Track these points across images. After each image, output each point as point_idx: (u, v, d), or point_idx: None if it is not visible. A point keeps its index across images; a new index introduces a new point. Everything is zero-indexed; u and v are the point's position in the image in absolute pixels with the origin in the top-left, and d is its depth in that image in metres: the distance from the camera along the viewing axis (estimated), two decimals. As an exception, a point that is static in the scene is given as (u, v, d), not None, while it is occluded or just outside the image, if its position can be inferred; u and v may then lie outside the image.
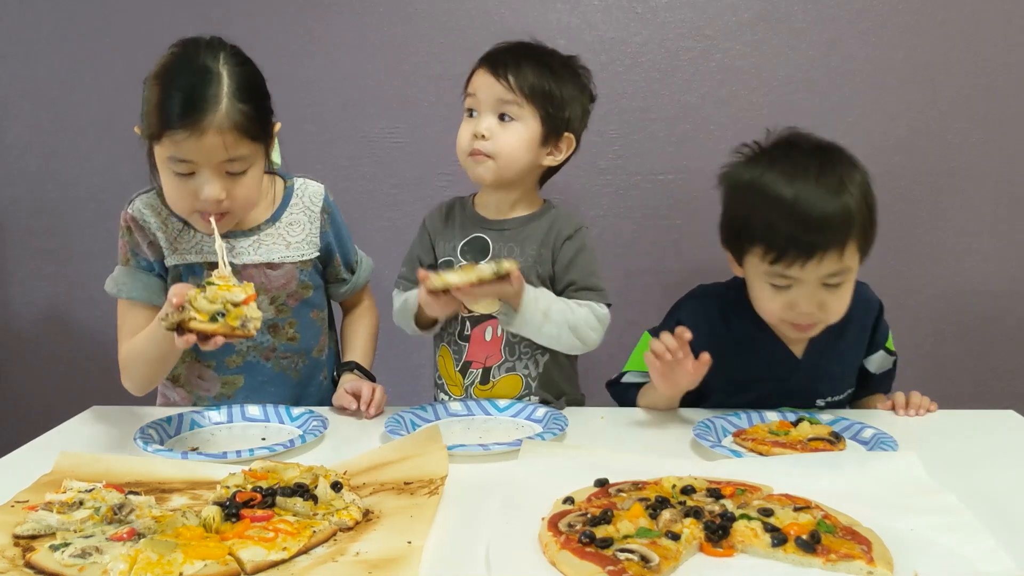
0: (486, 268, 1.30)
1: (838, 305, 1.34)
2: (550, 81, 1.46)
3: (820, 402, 1.48)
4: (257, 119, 1.35)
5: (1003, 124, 2.07)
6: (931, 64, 2.05)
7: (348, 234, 1.61)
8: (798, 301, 1.33)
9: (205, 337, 1.19)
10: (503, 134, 1.45)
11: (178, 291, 1.21)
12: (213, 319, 1.19)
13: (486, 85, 1.46)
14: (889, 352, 1.56)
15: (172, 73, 1.34)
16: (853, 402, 1.58)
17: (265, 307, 1.47)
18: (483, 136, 1.44)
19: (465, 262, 1.50)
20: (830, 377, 1.48)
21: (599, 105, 2.09)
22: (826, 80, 2.05)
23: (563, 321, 1.42)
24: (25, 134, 2.21)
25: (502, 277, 1.31)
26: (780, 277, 1.32)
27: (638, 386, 1.51)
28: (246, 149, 1.34)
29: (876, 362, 1.55)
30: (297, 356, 1.55)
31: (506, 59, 1.46)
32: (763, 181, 1.32)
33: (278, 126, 1.46)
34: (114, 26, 2.14)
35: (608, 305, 1.49)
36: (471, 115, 1.49)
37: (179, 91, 1.31)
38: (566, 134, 1.51)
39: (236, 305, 1.20)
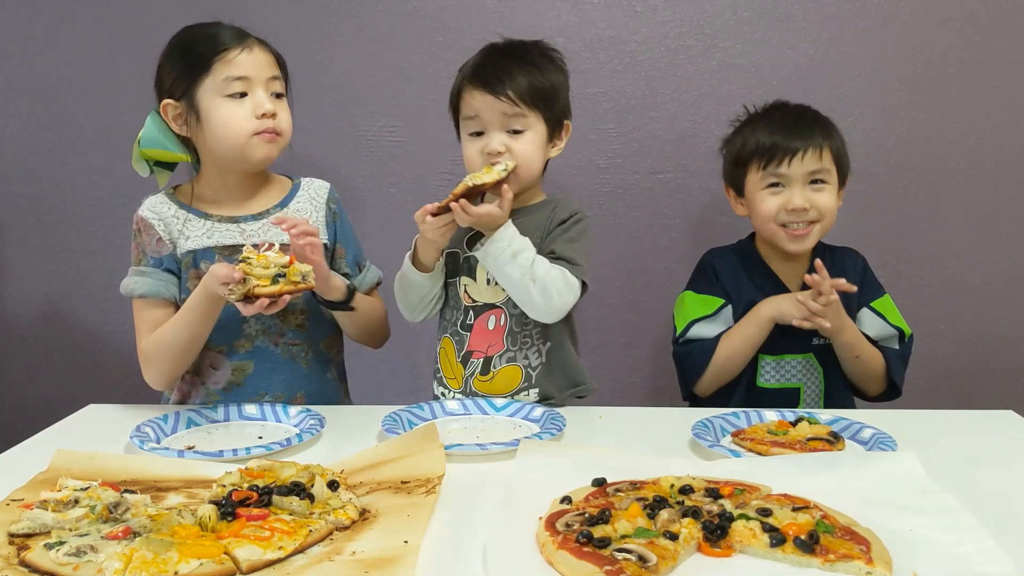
0: (475, 175, 1.38)
1: (824, 203, 1.61)
2: (540, 78, 1.47)
3: (816, 340, 1.64)
4: (279, 59, 1.52)
5: (1002, 124, 2.07)
6: (931, 63, 2.05)
7: (355, 235, 1.63)
8: (792, 198, 1.60)
9: (271, 301, 1.31)
10: (517, 147, 1.45)
11: (221, 270, 1.31)
12: (274, 281, 1.31)
13: (487, 105, 1.45)
14: (882, 317, 1.66)
15: (192, 31, 1.51)
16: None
17: None
18: (498, 153, 1.44)
19: (470, 251, 1.51)
20: None
21: (598, 103, 2.10)
22: (826, 79, 2.05)
23: (528, 268, 1.41)
24: (23, 131, 2.20)
25: (491, 184, 1.38)
26: (774, 176, 1.61)
27: (702, 343, 1.63)
28: (280, 72, 1.51)
29: (866, 322, 1.66)
30: (306, 344, 1.55)
31: (498, 73, 1.45)
32: (752, 123, 1.68)
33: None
34: (112, 24, 2.14)
35: (584, 284, 1.48)
36: (476, 136, 1.48)
37: (213, 29, 1.48)
38: (565, 122, 1.53)
39: (285, 266, 1.32)
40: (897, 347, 1.67)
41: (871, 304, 1.68)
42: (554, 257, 1.46)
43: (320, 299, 1.48)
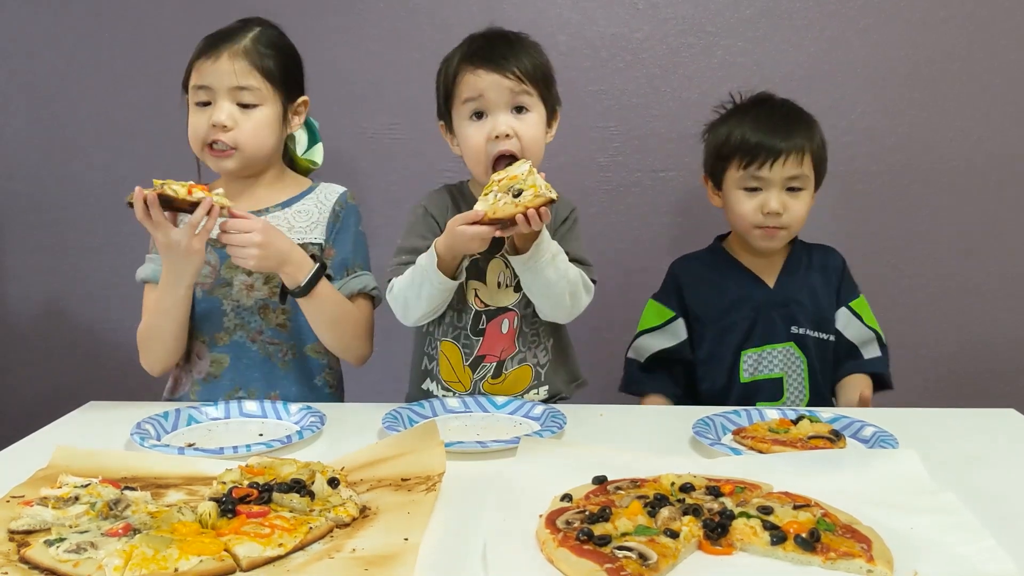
0: (529, 197, 1.27)
1: (797, 209, 1.65)
2: (538, 59, 1.46)
3: (795, 329, 1.68)
4: (274, 64, 1.51)
5: (1004, 123, 2.07)
6: (932, 62, 2.05)
7: (360, 243, 1.60)
8: (767, 201, 1.63)
9: (186, 208, 1.36)
10: (524, 127, 1.42)
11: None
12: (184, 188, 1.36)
13: (492, 84, 1.41)
14: (859, 318, 1.72)
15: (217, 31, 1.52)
16: (840, 378, 1.72)
17: (259, 286, 1.54)
18: (506, 136, 1.41)
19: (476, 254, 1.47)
20: (800, 304, 1.69)
21: (599, 101, 2.10)
22: (827, 77, 2.05)
23: (565, 270, 1.40)
24: (24, 130, 2.20)
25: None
26: (753, 179, 1.64)
27: (645, 367, 1.72)
28: (256, 81, 1.48)
29: (843, 320, 1.72)
30: (286, 345, 1.55)
31: (502, 51, 1.43)
32: (738, 118, 1.68)
33: (307, 100, 1.58)
34: (113, 22, 2.14)
35: (594, 282, 1.48)
36: (477, 118, 1.44)
37: (214, 34, 1.50)
38: (556, 109, 1.51)
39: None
40: (880, 354, 1.71)
41: (849, 304, 1.72)
42: (570, 259, 1.44)
43: (283, 287, 1.46)
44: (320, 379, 1.60)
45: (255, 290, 1.53)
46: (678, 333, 1.72)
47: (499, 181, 1.33)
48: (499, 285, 1.49)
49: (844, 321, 1.72)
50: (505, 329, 1.50)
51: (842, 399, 1.68)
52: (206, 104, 1.48)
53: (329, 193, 1.61)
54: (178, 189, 1.35)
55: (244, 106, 1.48)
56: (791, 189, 1.64)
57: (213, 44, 1.48)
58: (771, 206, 1.62)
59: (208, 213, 1.35)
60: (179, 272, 1.41)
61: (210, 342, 1.54)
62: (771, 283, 1.71)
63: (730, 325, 1.69)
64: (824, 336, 1.70)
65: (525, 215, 1.27)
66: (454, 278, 1.41)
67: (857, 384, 1.66)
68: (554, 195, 1.28)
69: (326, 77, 2.08)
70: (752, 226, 1.65)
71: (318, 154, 1.68)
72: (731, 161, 1.66)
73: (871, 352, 1.71)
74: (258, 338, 1.54)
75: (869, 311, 1.74)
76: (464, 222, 1.31)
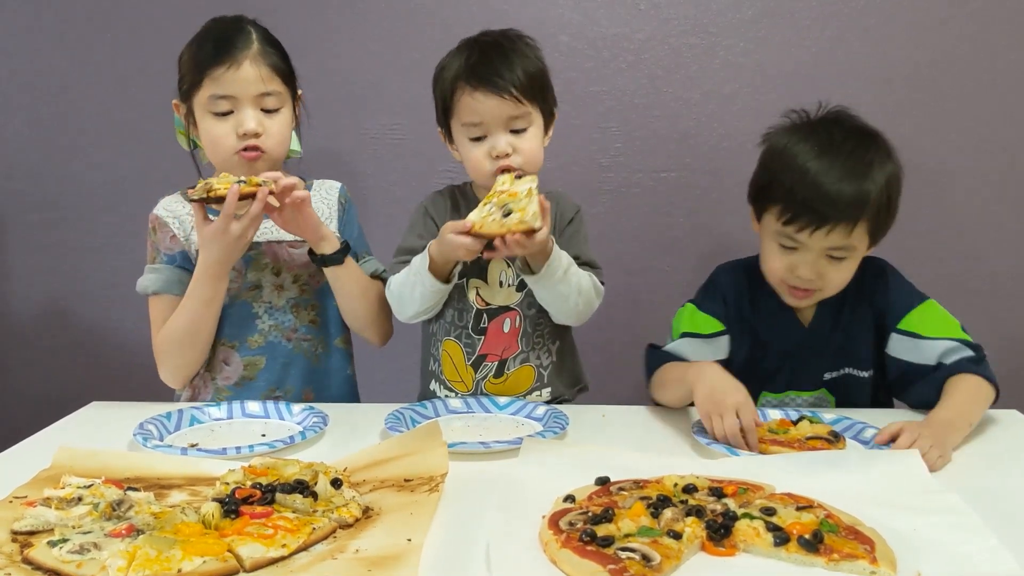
0: (514, 221, 1.27)
1: (837, 278, 1.41)
2: (532, 67, 1.43)
3: (829, 375, 1.49)
4: (285, 65, 1.50)
5: (1005, 123, 2.06)
6: (934, 62, 2.04)
7: (361, 233, 1.64)
8: (799, 265, 1.39)
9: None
10: (523, 142, 1.42)
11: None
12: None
13: (491, 107, 1.40)
14: (913, 336, 1.43)
15: (205, 33, 1.49)
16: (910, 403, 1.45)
17: (288, 285, 1.55)
18: (506, 155, 1.41)
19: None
20: (838, 347, 1.48)
21: (601, 101, 2.10)
22: (829, 77, 2.04)
23: (577, 282, 1.41)
24: (25, 128, 2.20)
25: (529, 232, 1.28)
26: (788, 239, 1.39)
27: (670, 355, 1.47)
28: (278, 86, 1.48)
29: (899, 347, 1.44)
30: (317, 340, 1.58)
31: (497, 70, 1.40)
32: (796, 149, 1.39)
33: (301, 93, 1.56)
34: (114, 21, 2.14)
35: (602, 283, 1.49)
36: (477, 140, 1.43)
37: (214, 39, 1.47)
38: (554, 111, 1.50)
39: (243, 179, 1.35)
40: (972, 353, 1.43)
41: (898, 327, 1.45)
42: (580, 262, 1.45)
43: (312, 256, 1.48)
44: (350, 370, 1.64)
45: (285, 289, 1.54)
46: (722, 349, 1.49)
47: (500, 193, 1.33)
48: (500, 284, 1.49)
49: (901, 347, 1.44)
50: (507, 328, 1.50)
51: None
52: (226, 113, 1.45)
53: (329, 189, 1.63)
54: (219, 187, 1.33)
55: (266, 111, 1.47)
56: (832, 257, 1.39)
57: (225, 51, 1.44)
58: (802, 273, 1.39)
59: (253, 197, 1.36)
60: (224, 260, 1.40)
61: (241, 346, 1.53)
62: (806, 321, 1.50)
63: (754, 363, 1.49)
64: (862, 374, 1.48)
65: (504, 239, 1.28)
66: (447, 281, 1.42)
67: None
68: (537, 225, 1.27)
69: (326, 77, 2.09)
70: (780, 280, 1.43)
71: (296, 143, 1.66)
72: (771, 206, 1.40)
73: (954, 356, 1.40)
74: (293, 336, 1.55)
75: (935, 317, 1.45)
76: (454, 231, 1.32)
